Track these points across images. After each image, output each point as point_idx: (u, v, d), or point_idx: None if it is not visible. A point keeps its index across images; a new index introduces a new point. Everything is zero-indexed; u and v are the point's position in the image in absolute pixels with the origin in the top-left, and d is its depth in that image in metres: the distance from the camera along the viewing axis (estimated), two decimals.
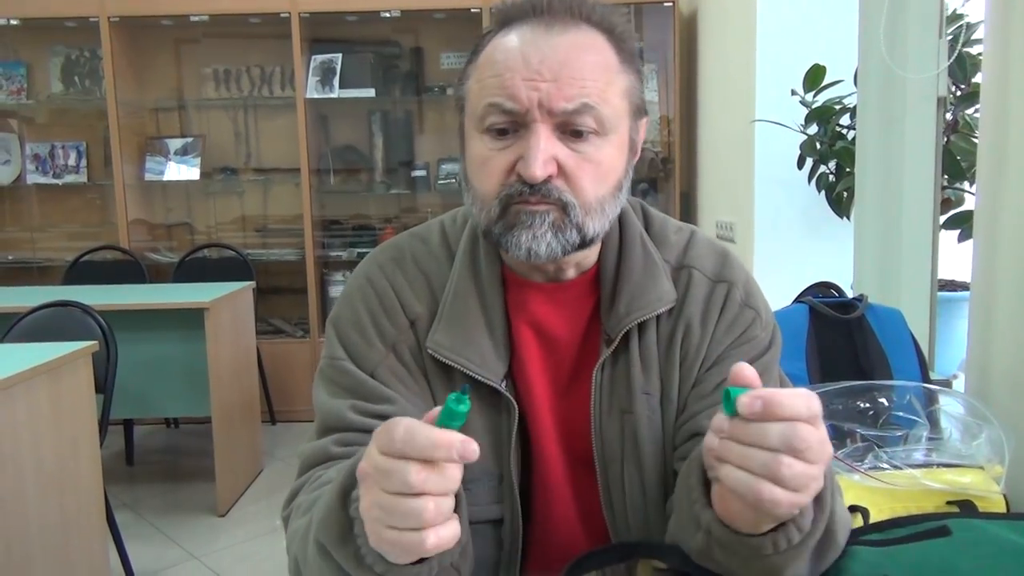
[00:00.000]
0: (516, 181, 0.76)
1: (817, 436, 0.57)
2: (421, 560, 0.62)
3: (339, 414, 0.82)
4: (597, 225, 0.79)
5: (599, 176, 0.78)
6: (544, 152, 0.74)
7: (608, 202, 0.80)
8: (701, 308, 0.86)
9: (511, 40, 0.77)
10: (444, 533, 0.58)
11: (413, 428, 0.57)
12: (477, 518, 0.85)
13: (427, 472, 0.56)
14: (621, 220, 0.88)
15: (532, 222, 0.76)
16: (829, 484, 0.66)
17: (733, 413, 0.58)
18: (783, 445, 0.56)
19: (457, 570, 0.67)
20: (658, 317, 0.85)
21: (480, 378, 0.82)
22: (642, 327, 0.85)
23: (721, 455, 0.59)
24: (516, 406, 0.83)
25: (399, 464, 0.56)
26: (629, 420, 0.84)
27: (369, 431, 0.79)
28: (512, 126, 0.76)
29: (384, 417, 0.80)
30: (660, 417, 0.85)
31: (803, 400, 0.58)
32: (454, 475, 0.58)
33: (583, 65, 0.75)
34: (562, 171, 0.76)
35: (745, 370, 0.60)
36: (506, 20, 0.79)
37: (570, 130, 0.76)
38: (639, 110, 0.82)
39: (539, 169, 0.74)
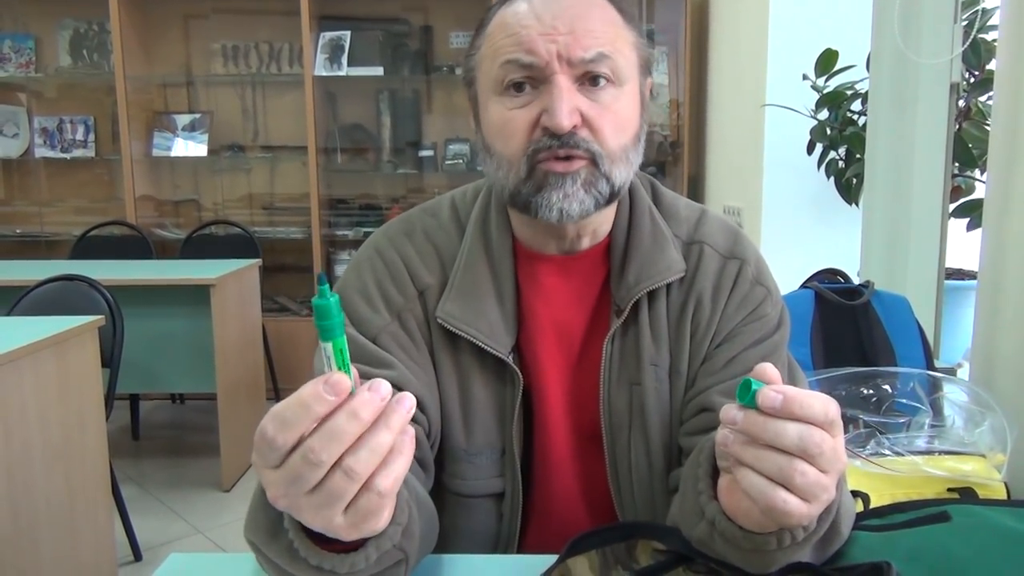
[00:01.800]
0: (542, 135, 0.76)
1: (831, 444, 0.56)
2: (358, 548, 0.59)
3: None
4: (623, 174, 0.80)
5: (619, 125, 0.78)
6: (568, 101, 0.75)
7: (631, 151, 0.80)
8: (712, 283, 0.86)
9: (520, 5, 0.78)
10: (394, 467, 0.51)
11: (278, 416, 0.51)
12: (478, 491, 0.86)
13: (317, 441, 0.50)
14: (631, 194, 0.88)
15: (563, 183, 0.77)
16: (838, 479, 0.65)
17: (749, 404, 0.56)
18: (798, 448, 0.55)
19: (403, 552, 0.64)
20: (668, 289, 0.85)
21: (488, 348, 0.82)
22: (652, 298, 0.85)
23: (738, 457, 0.58)
24: (521, 379, 0.84)
25: (293, 458, 0.50)
26: (637, 392, 0.84)
27: None
28: (531, 81, 0.77)
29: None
30: (668, 389, 0.85)
31: (822, 403, 0.56)
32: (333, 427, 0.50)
33: (593, 18, 0.77)
34: (586, 122, 0.77)
35: (769, 369, 0.58)
36: None
37: (588, 79, 0.77)
38: (647, 66, 0.83)
39: (566, 118, 0.74)
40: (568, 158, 0.76)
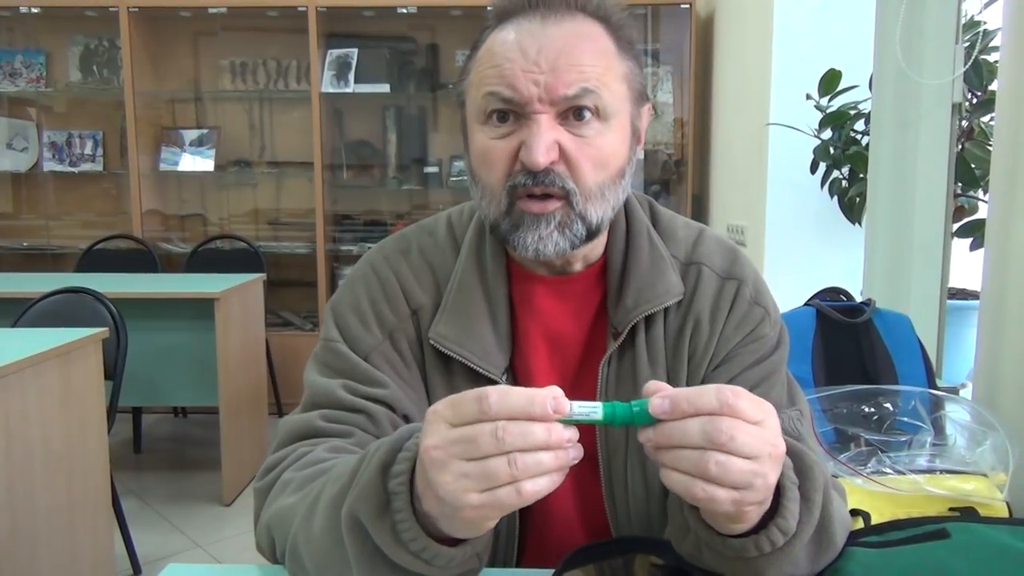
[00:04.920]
0: (520, 171, 0.77)
1: (744, 428, 0.57)
2: (458, 544, 0.63)
3: (329, 392, 0.83)
4: (599, 212, 0.79)
5: (600, 161, 0.78)
6: (545, 138, 0.75)
7: (609, 188, 0.79)
8: (710, 304, 0.85)
9: (508, 33, 0.78)
10: (540, 481, 0.57)
11: (506, 391, 0.58)
12: None
13: (515, 428, 0.56)
14: (628, 214, 0.88)
15: (537, 224, 0.77)
16: (818, 483, 0.65)
17: (650, 421, 0.59)
18: (705, 440, 0.57)
19: (479, 562, 0.67)
20: (665, 311, 0.85)
21: (480, 370, 0.82)
22: (649, 321, 0.85)
23: (660, 462, 0.59)
24: None
25: (484, 427, 0.56)
26: None
27: (358, 411, 0.80)
28: (513, 114, 0.77)
29: (377, 400, 0.82)
30: None
31: (711, 393, 0.58)
32: (546, 432, 0.57)
33: (581, 52, 0.76)
34: (564, 156, 0.76)
35: (652, 385, 0.60)
36: (503, 14, 0.80)
37: (572, 113, 0.76)
38: (640, 96, 0.82)
39: (542, 156, 0.74)
40: (544, 196, 0.77)
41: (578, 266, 0.86)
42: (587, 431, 0.85)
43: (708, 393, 0.58)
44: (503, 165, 0.78)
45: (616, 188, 0.80)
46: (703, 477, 0.57)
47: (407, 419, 0.82)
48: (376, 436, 0.80)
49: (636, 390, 0.84)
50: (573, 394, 0.87)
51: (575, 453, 0.58)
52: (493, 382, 0.83)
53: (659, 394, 0.59)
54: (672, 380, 0.84)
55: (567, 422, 0.58)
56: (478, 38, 0.82)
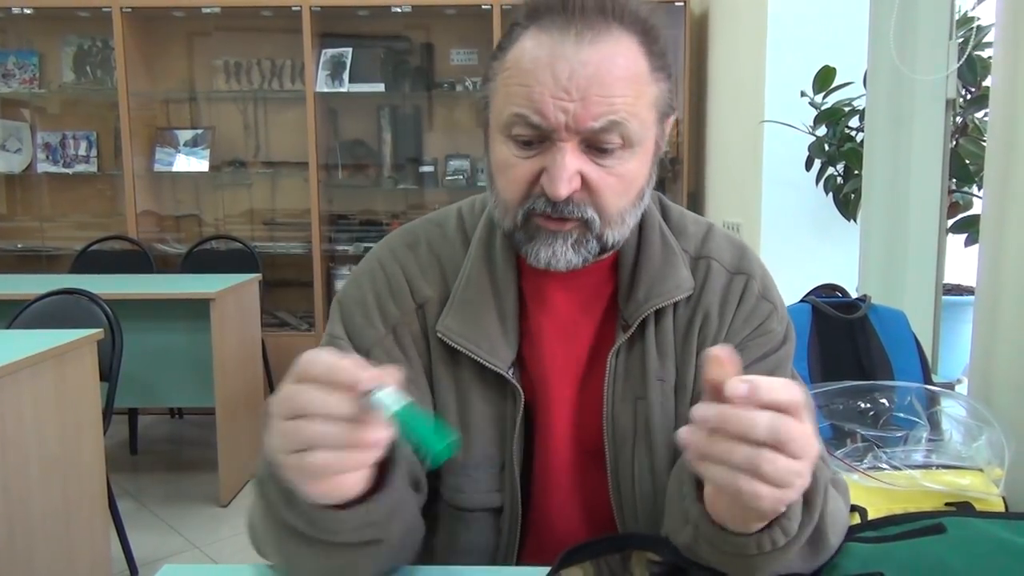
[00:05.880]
0: (539, 194, 0.77)
1: (801, 430, 0.56)
2: (346, 507, 0.64)
3: None
4: (617, 235, 0.80)
5: (622, 189, 0.78)
6: (568, 170, 0.74)
7: (629, 212, 0.80)
8: (719, 298, 0.86)
9: (541, 47, 0.74)
10: (325, 456, 0.58)
11: (315, 354, 0.59)
12: (476, 505, 0.85)
13: (321, 394, 0.57)
14: None
15: (553, 241, 0.78)
16: (821, 486, 0.65)
17: (441, 448, 0.57)
18: (770, 436, 0.56)
19: (383, 534, 0.67)
20: (675, 305, 0.86)
21: (487, 364, 0.83)
22: (659, 315, 0.85)
23: (705, 452, 0.58)
24: (522, 394, 0.84)
25: (298, 388, 0.58)
26: (642, 406, 0.84)
27: None
28: (537, 138, 0.76)
29: None
30: (673, 404, 0.85)
31: (787, 389, 0.57)
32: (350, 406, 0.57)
33: (613, 81, 0.73)
34: (586, 184, 0.76)
35: (719, 351, 0.59)
36: (535, 14, 0.77)
37: (596, 146, 0.75)
38: (666, 113, 0.81)
39: (563, 188, 0.74)
40: (561, 219, 0.77)
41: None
42: (594, 423, 0.85)
43: (783, 388, 0.56)
44: (522, 185, 0.78)
45: (636, 209, 0.82)
46: (753, 473, 0.56)
47: None
48: None
49: (645, 382, 0.84)
50: (583, 387, 0.88)
51: (375, 451, 0.59)
52: (500, 377, 0.83)
53: (740, 377, 0.57)
54: (681, 373, 0.85)
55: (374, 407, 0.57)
56: (506, 37, 0.79)
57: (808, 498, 0.64)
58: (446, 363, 0.85)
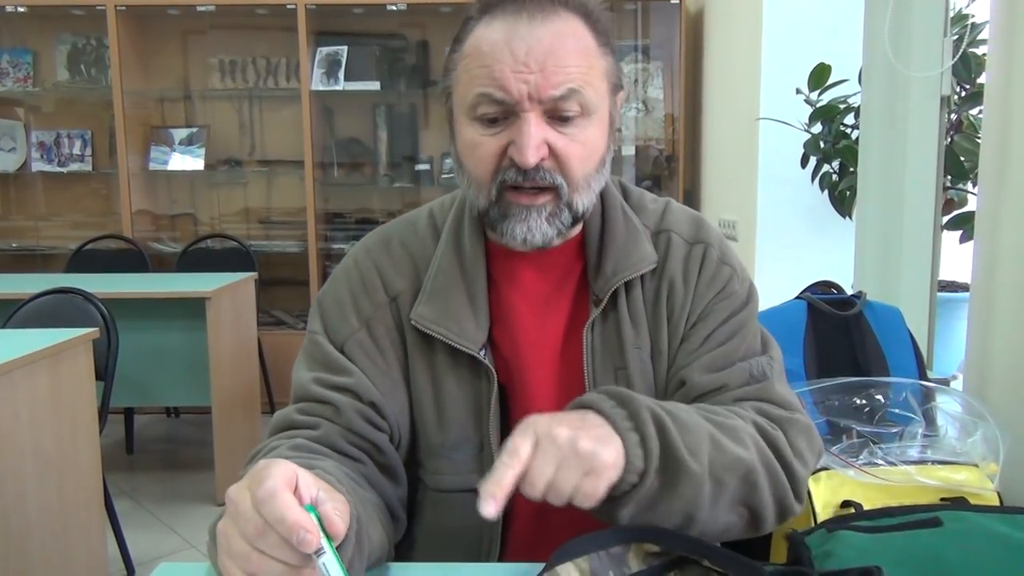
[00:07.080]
0: (508, 166, 0.81)
1: (545, 472, 0.68)
2: None
3: (305, 385, 0.87)
4: (585, 200, 0.85)
5: (586, 155, 0.83)
6: (535, 138, 0.79)
7: (593, 178, 0.85)
8: (681, 268, 0.91)
9: (496, 31, 0.81)
10: None
11: (275, 493, 0.62)
12: (457, 486, 0.89)
13: (276, 538, 0.61)
14: (602, 192, 0.93)
15: (527, 215, 0.83)
16: (645, 417, 0.72)
17: None
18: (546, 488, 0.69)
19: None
20: (642, 278, 0.90)
21: (458, 346, 0.86)
22: (628, 287, 0.90)
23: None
24: (495, 374, 0.87)
25: (256, 522, 0.63)
26: (623, 376, 0.88)
27: (326, 402, 0.86)
28: (502, 114, 0.81)
29: (342, 388, 0.86)
30: (652, 370, 0.89)
31: (510, 454, 0.68)
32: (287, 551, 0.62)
33: (567, 52, 0.80)
34: (552, 152, 0.82)
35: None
36: (486, 7, 0.83)
37: (558, 115, 0.81)
38: (616, 87, 0.87)
39: (532, 156, 0.79)
40: (534, 190, 0.82)
41: (557, 241, 0.89)
42: (577, 397, 0.87)
43: (501, 468, 0.67)
44: (492, 160, 0.82)
45: (599, 176, 0.87)
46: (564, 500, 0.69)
47: (373, 406, 0.86)
48: (341, 426, 0.84)
49: (623, 352, 0.89)
50: (562, 363, 0.91)
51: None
52: (472, 358, 0.87)
53: (485, 496, 0.66)
54: (655, 339, 0.90)
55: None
56: (461, 30, 0.85)
57: (645, 443, 0.72)
58: (421, 351, 0.89)
